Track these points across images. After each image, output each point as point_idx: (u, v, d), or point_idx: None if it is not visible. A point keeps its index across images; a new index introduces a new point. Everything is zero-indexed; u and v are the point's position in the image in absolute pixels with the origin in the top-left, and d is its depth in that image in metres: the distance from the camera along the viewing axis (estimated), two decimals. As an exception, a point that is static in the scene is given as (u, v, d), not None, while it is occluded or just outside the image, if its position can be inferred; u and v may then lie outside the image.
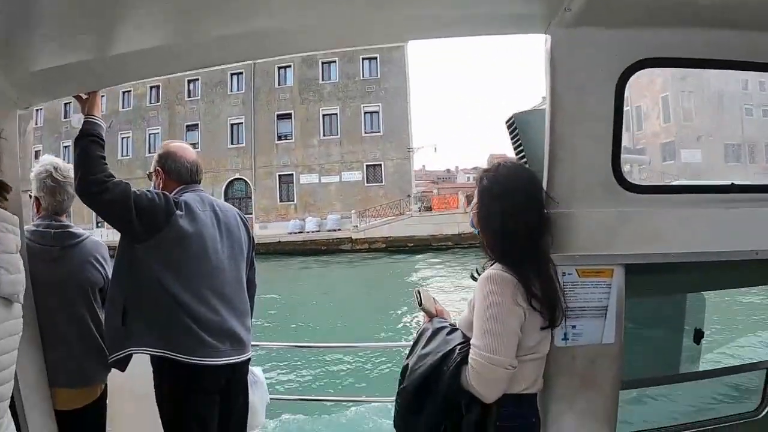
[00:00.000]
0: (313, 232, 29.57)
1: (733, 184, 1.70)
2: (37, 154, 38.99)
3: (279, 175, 31.90)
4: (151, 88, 34.65)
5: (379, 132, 31.04)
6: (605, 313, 1.58)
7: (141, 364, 1.87)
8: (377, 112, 30.96)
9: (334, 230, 29.27)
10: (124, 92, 35.17)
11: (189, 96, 33.96)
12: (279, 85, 32.27)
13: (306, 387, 7.30)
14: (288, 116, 32.00)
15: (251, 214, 32.30)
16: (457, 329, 1.53)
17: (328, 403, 5.57)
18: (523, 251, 1.42)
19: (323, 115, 31.73)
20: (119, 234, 1.90)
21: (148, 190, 1.87)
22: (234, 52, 1.88)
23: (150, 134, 34.61)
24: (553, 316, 1.43)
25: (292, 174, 31.87)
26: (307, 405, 5.74)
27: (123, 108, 35.60)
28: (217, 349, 1.88)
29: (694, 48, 1.57)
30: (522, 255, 1.42)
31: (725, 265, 1.67)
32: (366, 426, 5.30)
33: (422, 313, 1.71)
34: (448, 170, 65.84)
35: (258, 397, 2.19)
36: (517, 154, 1.80)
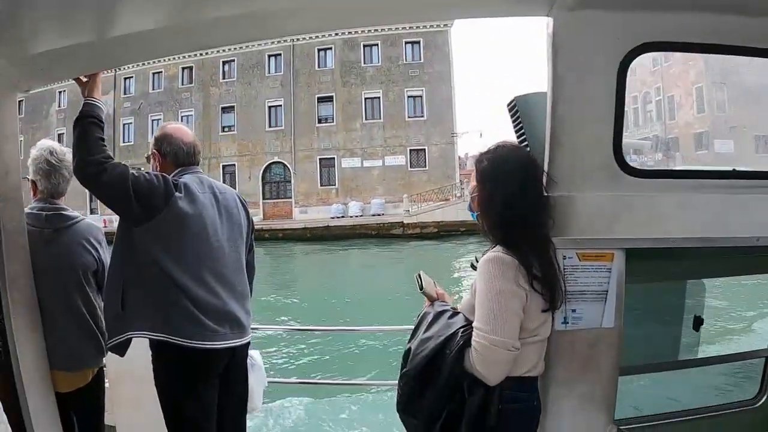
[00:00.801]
0: (356, 216, 29.06)
1: (734, 169, 1.72)
2: (60, 137, 37.86)
3: (320, 159, 31.37)
4: (184, 69, 33.92)
5: (422, 117, 30.67)
6: (605, 297, 1.59)
7: (141, 347, 1.86)
8: (420, 97, 30.59)
9: (378, 215, 28.82)
10: (154, 73, 34.39)
11: (224, 77, 33.31)
12: (319, 67, 31.71)
13: (308, 370, 7.25)
14: (329, 99, 31.46)
15: (290, 198, 31.71)
16: (459, 313, 1.53)
17: (330, 387, 5.52)
18: (524, 233, 1.42)
19: (365, 99, 31.25)
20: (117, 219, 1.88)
21: (147, 172, 1.84)
22: (233, 34, 1.88)
23: (183, 116, 33.76)
24: (554, 298, 1.43)
25: (333, 158, 31.37)
26: (308, 388, 5.67)
27: (153, 89, 34.76)
28: (217, 332, 1.85)
29: (697, 32, 1.56)
30: (523, 237, 1.42)
31: (725, 251, 1.69)
32: (368, 409, 5.31)
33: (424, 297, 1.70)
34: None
35: (256, 381, 2.18)
36: (518, 137, 1.79)
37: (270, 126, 32.15)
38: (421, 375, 1.47)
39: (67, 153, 2.11)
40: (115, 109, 35.56)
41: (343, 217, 29.21)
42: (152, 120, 34.52)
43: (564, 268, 1.52)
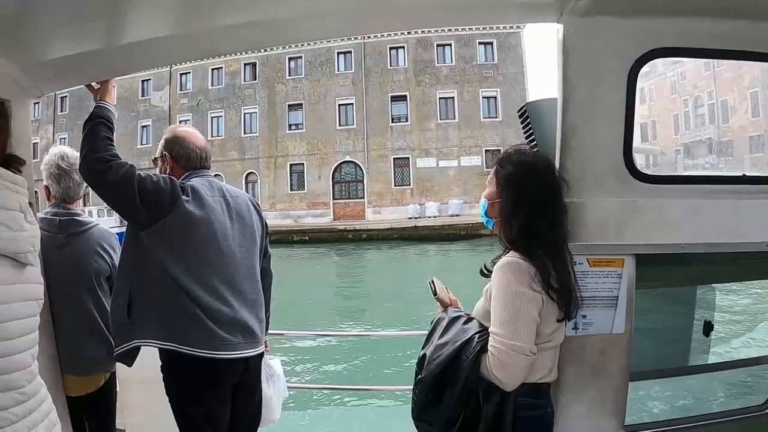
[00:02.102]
0: (433, 217, 28.68)
1: (744, 175, 1.74)
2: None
3: (394, 159, 31.02)
4: (246, 65, 33.34)
5: (497, 117, 30.63)
6: (615, 303, 1.60)
7: (151, 350, 1.84)
8: (495, 97, 30.57)
9: (456, 215, 28.50)
10: (213, 69, 33.75)
11: (290, 74, 32.62)
12: (391, 65, 31.33)
13: (321, 376, 7.32)
14: (402, 98, 31.25)
15: (362, 198, 31.15)
16: (473, 318, 1.54)
17: (344, 392, 5.62)
18: (545, 241, 1.43)
19: (440, 99, 31.16)
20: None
21: (153, 174, 1.82)
22: (245, 41, 1.93)
23: (246, 113, 33.18)
24: (569, 307, 1.44)
25: (407, 158, 31.16)
26: (321, 393, 5.73)
27: (212, 86, 34.05)
28: (229, 342, 1.80)
29: (708, 38, 1.58)
30: (544, 245, 1.42)
31: (736, 256, 1.70)
32: (382, 415, 5.31)
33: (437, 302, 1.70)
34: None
35: (275, 391, 2.13)
36: (528, 143, 1.81)
37: (340, 124, 31.74)
38: (436, 381, 1.46)
39: (77, 157, 2.05)
40: (171, 105, 34.51)
41: (419, 217, 28.78)
42: (212, 117, 33.82)
43: (576, 275, 1.51)
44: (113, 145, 1.78)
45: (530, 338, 1.37)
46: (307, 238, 27.38)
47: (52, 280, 1.91)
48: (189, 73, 34.45)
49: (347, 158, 31.61)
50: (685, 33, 1.58)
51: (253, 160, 32.74)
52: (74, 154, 2.11)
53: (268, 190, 32.33)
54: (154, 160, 2.02)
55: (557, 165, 1.59)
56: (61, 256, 2.03)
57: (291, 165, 32.14)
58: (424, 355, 1.52)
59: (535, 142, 1.77)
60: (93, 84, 1.88)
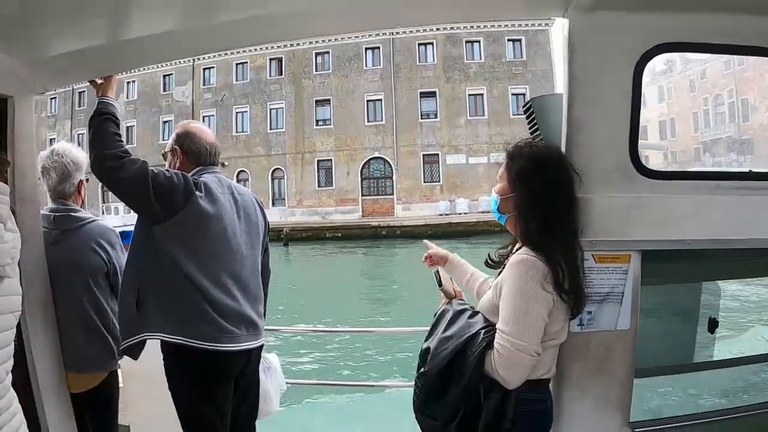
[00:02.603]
0: (463, 213, 28.69)
1: (750, 171, 1.74)
2: (129, 130, 35.97)
3: (423, 155, 30.95)
4: (271, 60, 33.16)
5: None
6: (621, 300, 1.60)
7: (154, 346, 1.87)
8: (524, 95, 30.58)
9: (487, 212, 28.49)
10: (237, 64, 33.61)
11: (317, 69, 32.38)
12: (420, 62, 31.20)
13: (320, 372, 7.39)
14: (432, 94, 31.28)
15: (391, 194, 31.08)
16: (478, 312, 1.53)
17: (344, 388, 5.66)
18: (558, 237, 1.42)
19: (469, 95, 31.13)
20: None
21: (166, 170, 1.85)
22: (247, 36, 1.95)
23: (272, 109, 33.05)
24: (578, 305, 1.44)
25: (437, 154, 31.20)
26: (322, 389, 5.81)
27: (237, 81, 33.87)
28: (234, 334, 1.84)
29: (713, 33, 1.58)
30: (557, 241, 1.41)
31: (742, 253, 1.70)
32: (381, 411, 5.29)
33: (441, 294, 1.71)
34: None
35: (272, 384, 2.19)
36: (534, 139, 1.78)
37: (369, 120, 31.75)
38: (441, 375, 1.45)
39: (66, 153, 2.12)
40: (194, 101, 34.23)
41: (450, 214, 28.79)
42: (237, 112, 33.61)
43: (585, 271, 1.51)
44: (122, 142, 1.79)
45: (537, 338, 1.37)
46: (339, 234, 27.28)
47: (55, 277, 1.98)
48: (212, 67, 34.18)
49: (376, 154, 31.61)
50: (691, 28, 1.57)
51: (279, 156, 32.63)
52: (64, 149, 2.14)
53: (295, 186, 32.24)
54: (164, 155, 2.04)
55: None
56: (56, 252, 2.02)
57: (318, 161, 32.07)
58: (428, 348, 1.51)
59: (540, 138, 1.75)
60: (96, 79, 1.89)
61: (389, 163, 31.53)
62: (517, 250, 1.48)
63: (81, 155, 2.15)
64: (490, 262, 1.60)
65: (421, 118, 31.38)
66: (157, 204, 1.76)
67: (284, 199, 32.52)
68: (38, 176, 2.07)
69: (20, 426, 1.31)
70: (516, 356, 1.35)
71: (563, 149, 1.59)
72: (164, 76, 35.32)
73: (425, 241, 1.80)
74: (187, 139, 2.00)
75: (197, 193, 1.82)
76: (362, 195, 31.51)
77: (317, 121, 32.43)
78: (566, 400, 1.63)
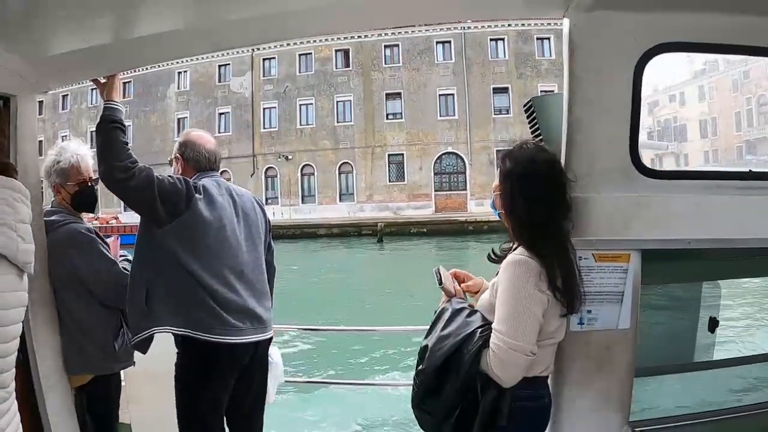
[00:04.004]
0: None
1: (750, 171, 1.74)
2: (181, 122, 35.10)
3: (497, 151, 30.95)
4: (337, 51, 32.84)
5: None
6: (621, 299, 1.62)
7: (157, 345, 1.96)
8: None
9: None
10: (301, 55, 33.13)
11: (386, 62, 32.06)
12: (492, 57, 31.31)
13: (320, 371, 7.48)
14: (504, 90, 31.66)
15: (464, 190, 31.16)
16: (477, 311, 1.58)
17: (342, 387, 5.66)
18: (546, 236, 1.46)
19: (541, 92, 31.15)
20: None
21: (169, 176, 1.98)
22: (251, 35, 1.99)
23: (339, 102, 32.72)
24: (572, 304, 1.48)
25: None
26: (321, 388, 5.87)
27: (300, 72, 33.42)
28: (238, 327, 1.95)
29: (714, 33, 1.60)
30: (546, 240, 1.46)
31: (742, 252, 1.72)
32: (379, 410, 5.42)
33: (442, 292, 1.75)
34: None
35: (272, 377, 2.28)
36: (534, 138, 1.84)
37: (441, 115, 31.67)
38: (438, 372, 1.50)
39: (51, 155, 2.16)
40: (254, 92, 33.51)
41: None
42: (301, 104, 33.20)
43: (580, 270, 1.54)
44: (130, 151, 1.87)
45: (532, 338, 1.41)
46: (425, 230, 27.19)
47: None
48: (274, 58, 33.53)
49: (449, 149, 31.76)
50: (692, 28, 1.58)
51: (348, 150, 32.45)
52: (53, 153, 2.14)
53: (364, 181, 32.07)
54: (170, 161, 2.19)
55: (563, 160, 1.61)
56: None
57: (389, 155, 32.04)
58: (426, 345, 1.56)
59: (540, 138, 1.79)
60: (99, 78, 1.96)
61: (462, 159, 31.78)
62: (515, 248, 1.52)
63: (65, 157, 2.14)
64: (493, 257, 1.62)
65: (495, 114, 31.69)
66: (162, 209, 1.87)
67: (352, 194, 32.24)
68: (41, 176, 2.09)
69: (16, 414, 1.38)
70: (511, 356, 1.39)
71: (563, 149, 1.61)
72: (220, 66, 34.49)
73: (440, 267, 1.75)
74: (187, 148, 2.14)
75: (197, 195, 1.95)
76: (435, 190, 31.60)
77: (388, 114, 32.40)
78: (566, 399, 1.64)
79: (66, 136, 35.53)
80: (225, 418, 2.07)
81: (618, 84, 1.57)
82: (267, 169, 33.39)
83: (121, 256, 2.25)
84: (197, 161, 2.13)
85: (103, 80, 1.96)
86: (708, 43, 1.62)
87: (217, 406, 2.00)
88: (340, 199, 32.15)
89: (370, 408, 5.51)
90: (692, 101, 42.27)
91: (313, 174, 32.68)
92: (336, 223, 28.78)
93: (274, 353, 2.34)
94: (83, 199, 2.18)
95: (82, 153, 2.18)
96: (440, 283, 1.69)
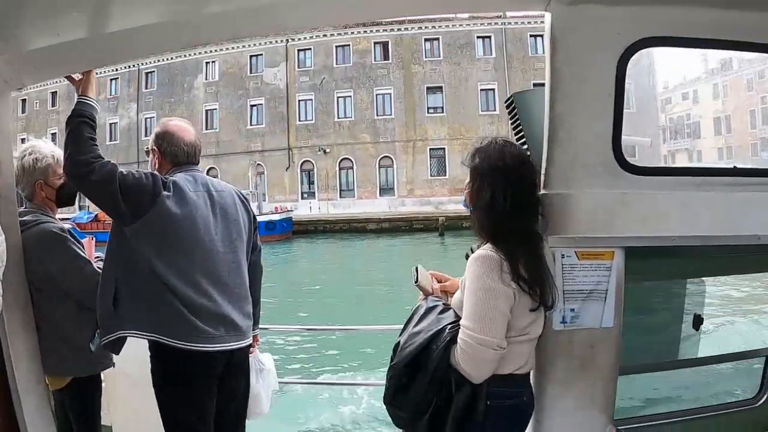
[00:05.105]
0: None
1: (735, 167, 1.74)
2: (208, 114, 34.74)
3: (538, 146, 31.35)
4: (376, 44, 32.64)
5: (630, 108, 31.76)
6: (605, 297, 1.61)
7: (137, 346, 1.90)
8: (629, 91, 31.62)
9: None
10: (338, 46, 32.95)
11: (427, 56, 32.06)
12: (533, 53, 31.67)
13: (304, 370, 7.51)
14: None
15: (506, 185, 31.41)
16: (450, 308, 1.60)
17: (325, 387, 5.76)
18: (511, 231, 1.47)
19: (580, 87, 31.69)
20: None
21: (136, 171, 1.90)
22: (228, 29, 1.97)
23: (378, 95, 32.59)
24: (543, 297, 1.47)
25: (552, 145, 31.48)
26: (303, 388, 5.90)
27: (338, 64, 32.93)
28: (210, 335, 1.86)
29: (698, 27, 1.59)
30: (510, 235, 1.47)
31: (727, 249, 1.71)
32: (362, 408, 5.50)
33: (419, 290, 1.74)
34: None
35: (264, 385, 2.19)
36: (516, 135, 1.85)
37: (482, 110, 31.79)
38: (407, 368, 1.51)
39: (22, 154, 2.11)
40: (288, 83, 32.96)
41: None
42: (338, 97, 32.95)
43: (563, 267, 1.55)
44: (96, 146, 1.83)
45: (499, 333, 1.41)
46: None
47: None
48: (309, 49, 33.16)
49: (491, 144, 31.70)
50: (675, 22, 1.58)
51: (388, 144, 32.51)
52: (26, 149, 2.10)
53: (405, 176, 32.17)
54: (147, 152, 2.11)
55: (545, 156, 1.62)
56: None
57: (431, 149, 32.16)
58: (398, 342, 1.59)
59: (522, 134, 1.79)
60: (75, 75, 1.92)
61: (504, 154, 31.82)
62: (482, 245, 1.53)
63: (44, 154, 2.10)
64: (470, 255, 1.62)
65: (536, 109, 31.87)
66: (125, 205, 1.80)
67: (392, 188, 32.25)
68: (15, 172, 2.06)
69: None
70: (478, 351, 1.39)
71: (545, 144, 1.61)
72: (251, 56, 33.87)
73: (418, 266, 1.74)
74: (164, 140, 2.02)
75: (165, 192, 1.86)
76: (477, 185, 31.65)
77: (428, 108, 32.56)
78: (549, 398, 1.64)
79: (114, 123, 34.43)
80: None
81: (601, 79, 1.56)
82: (303, 163, 33.13)
83: (96, 257, 2.17)
84: (175, 155, 2.01)
85: (78, 77, 1.90)
86: (692, 38, 1.60)
87: (204, 414, 1.90)
88: (380, 194, 32.18)
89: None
90: (706, 99, 43.71)
91: (351, 168, 32.59)
92: (386, 218, 28.85)
93: (266, 359, 2.25)
94: (67, 191, 2.15)
95: (56, 149, 2.13)
96: (416, 281, 1.69)
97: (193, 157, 2.05)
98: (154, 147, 2.04)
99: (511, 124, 1.84)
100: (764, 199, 1.64)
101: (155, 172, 1.94)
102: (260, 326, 2.22)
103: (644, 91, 32.11)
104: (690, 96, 46.92)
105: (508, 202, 1.46)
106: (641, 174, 1.62)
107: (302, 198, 32.59)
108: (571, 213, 1.57)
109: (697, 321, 1.98)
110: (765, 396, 2.04)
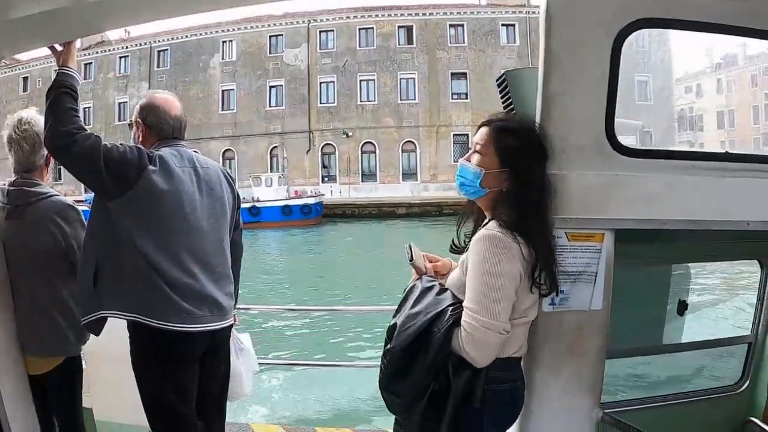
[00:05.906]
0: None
1: (727, 152, 1.73)
2: (225, 94, 34.52)
3: (560, 133, 31.87)
4: (400, 27, 32.71)
5: (648, 102, 32.44)
6: (594, 279, 1.60)
7: (119, 327, 1.86)
8: (646, 83, 32.22)
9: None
10: (361, 29, 32.79)
11: (451, 42, 32.16)
12: (555, 41, 31.93)
13: (293, 351, 7.49)
14: (567, 74, 31.93)
15: (528, 172, 31.87)
16: (447, 289, 1.54)
17: (315, 368, 5.59)
18: (536, 216, 1.45)
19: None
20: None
21: (120, 143, 1.84)
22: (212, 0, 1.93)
23: (402, 79, 32.65)
24: (551, 285, 1.46)
25: (573, 133, 32.04)
26: (294, 370, 5.89)
27: (361, 47, 32.78)
28: (194, 315, 1.83)
29: (696, 10, 1.57)
30: (534, 220, 1.44)
31: (716, 235, 1.73)
32: (352, 390, 5.45)
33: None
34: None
35: (244, 366, 2.19)
36: (507, 113, 1.82)
37: (506, 97, 31.80)
38: (406, 352, 1.44)
39: (32, 122, 2.05)
40: (310, 65, 32.62)
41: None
42: (361, 80, 32.92)
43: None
44: (78, 116, 1.78)
45: (505, 316, 1.38)
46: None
47: (6, 255, 1.95)
48: (332, 31, 32.86)
49: (515, 131, 32.07)
50: (673, 4, 1.56)
51: (411, 129, 32.72)
52: (30, 118, 2.06)
53: (428, 161, 32.38)
54: (129, 125, 2.05)
55: None
56: (8, 229, 1.99)
57: (454, 135, 32.36)
58: (395, 324, 1.51)
59: (514, 112, 1.78)
60: (56, 46, 1.87)
61: (526, 141, 32.23)
62: (485, 224, 1.49)
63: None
64: (454, 247, 1.61)
65: (558, 97, 32.32)
66: (109, 179, 1.75)
67: (415, 173, 32.47)
68: (25, 141, 2.02)
69: None
70: (484, 334, 1.36)
71: (537, 124, 1.60)
72: (271, 36, 33.33)
73: (411, 244, 1.68)
74: (150, 113, 1.97)
75: (150, 167, 1.80)
76: (499, 171, 32.00)
77: (453, 94, 32.82)
78: (538, 381, 1.63)
79: (124, 103, 33.33)
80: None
81: (595, 59, 1.55)
82: (323, 146, 33.06)
83: None
84: (160, 129, 1.96)
85: (59, 48, 1.86)
86: (690, 21, 1.59)
87: (185, 396, 1.87)
88: (403, 178, 32.37)
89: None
90: (710, 93, 44.76)
91: (374, 152, 32.68)
92: (416, 202, 29.06)
93: (245, 339, 2.24)
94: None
95: None
96: (411, 259, 1.64)
97: (179, 131, 1.99)
98: (138, 119, 1.97)
99: (503, 102, 1.83)
100: (755, 185, 1.63)
101: (140, 146, 1.87)
102: (241, 306, 2.21)
103: (662, 82, 32.76)
104: (693, 89, 47.97)
105: (542, 187, 1.44)
106: (633, 156, 1.60)
107: (323, 182, 32.45)
108: (561, 194, 1.53)
109: (682, 306, 2.01)
110: (748, 381, 2.10)
